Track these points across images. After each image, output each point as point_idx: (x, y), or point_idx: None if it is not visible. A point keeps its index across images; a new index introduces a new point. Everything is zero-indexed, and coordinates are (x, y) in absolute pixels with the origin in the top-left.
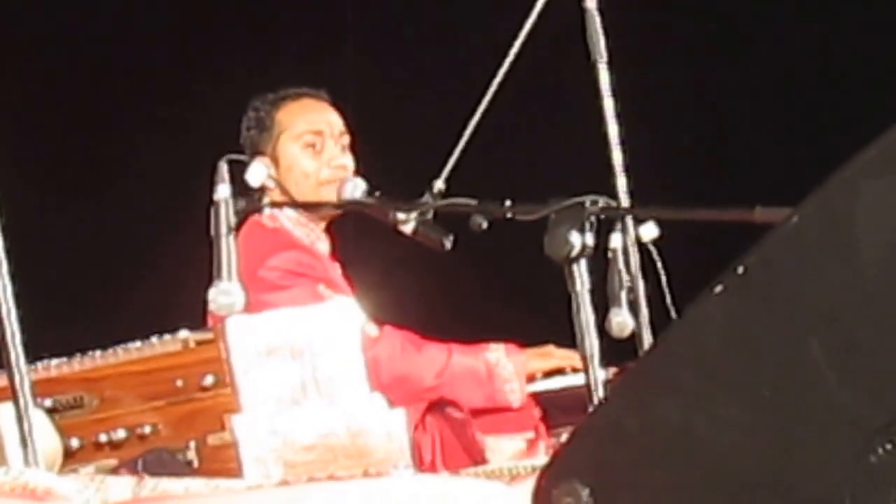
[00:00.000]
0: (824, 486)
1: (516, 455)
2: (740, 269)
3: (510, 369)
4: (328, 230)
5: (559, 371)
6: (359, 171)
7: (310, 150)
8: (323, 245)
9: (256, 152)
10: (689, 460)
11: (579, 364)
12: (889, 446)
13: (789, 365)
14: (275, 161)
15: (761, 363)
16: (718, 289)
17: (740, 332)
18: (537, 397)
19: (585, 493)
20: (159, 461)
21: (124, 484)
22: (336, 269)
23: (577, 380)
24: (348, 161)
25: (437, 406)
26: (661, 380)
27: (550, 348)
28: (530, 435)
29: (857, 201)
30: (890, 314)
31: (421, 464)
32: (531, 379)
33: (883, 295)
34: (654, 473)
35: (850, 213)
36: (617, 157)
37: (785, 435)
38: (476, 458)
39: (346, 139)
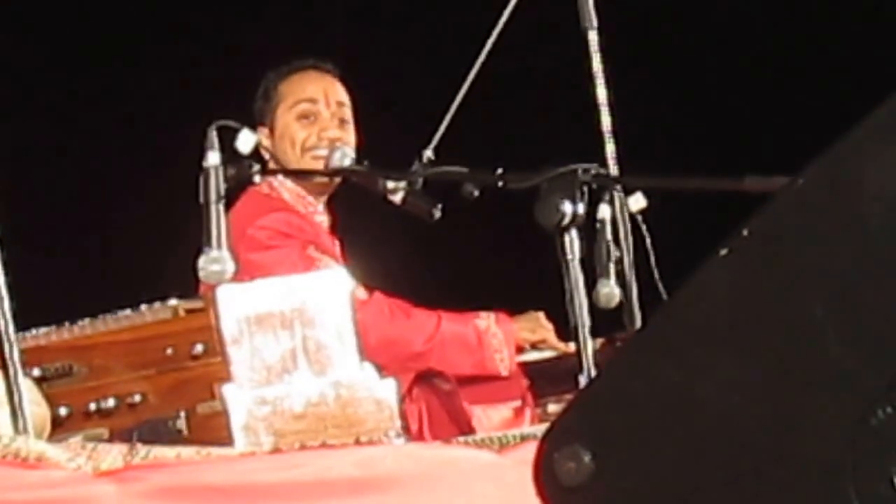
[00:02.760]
0: (826, 449)
1: (504, 423)
2: (745, 232)
3: (500, 337)
4: (329, 206)
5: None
6: (360, 147)
7: (303, 120)
8: (321, 218)
9: (262, 123)
10: (692, 424)
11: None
12: (890, 410)
13: (793, 329)
14: (273, 131)
15: (765, 327)
16: (724, 252)
17: (745, 296)
18: (525, 367)
19: (587, 457)
20: (154, 432)
21: (115, 451)
22: (333, 243)
23: (564, 349)
24: (344, 134)
25: (425, 377)
26: (665, 344)
27: (540, 317)
28: (517, 404)
29: (864, 165)
30: (893, 277)
31: (408, 434)
32: (519, 349)
33: (888, 259)
34: (657, 437)
35: (856, 177)
36: (606, 125)
37: (788, 398)
38: (463, 429)
39: (347, 112)
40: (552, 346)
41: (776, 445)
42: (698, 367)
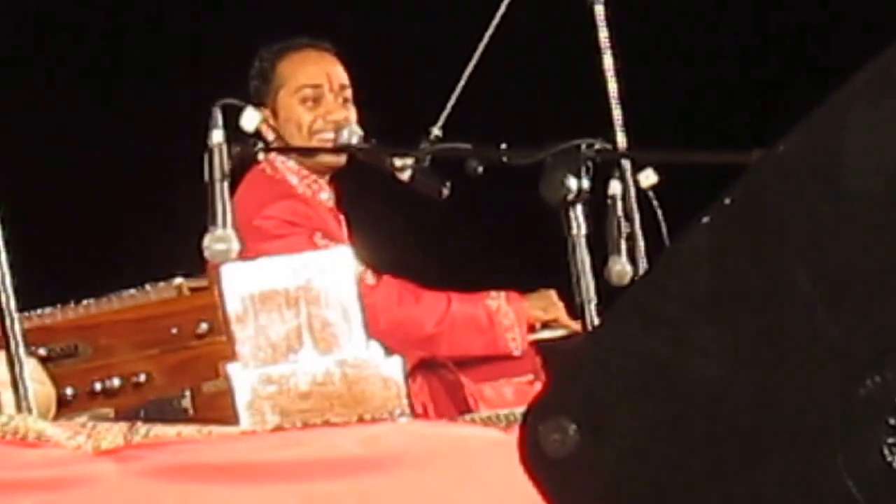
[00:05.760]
0: (814, 419)
1: (518, 396)
2: (727, 200)
3: (511, 317)
4: (332, 183)
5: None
6: (362, 124)
7: (308, 103)
8: (325, 195)
9: (260, 103)
10: (676, 394)
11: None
12: (878, 378)
13: (777, 297)
14: (274, 113)
15: (749, 295)
16: (705, 220)
17: (727, 264)
18: (536, 345)
19: (573, 428)
20: (160, 412)
21: (116, 430)
22: (338, 222)
23: (576, 327)
24: (348, 115)
25: (428, 364)
26: (648, 313)
27: (552, 294)
28: (529, 378)
29: (844, 129)
30: (878, 245)
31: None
32: (531, 328)
33: (871, 225)
34: (642, 408)
35: (837, 142)
36: (614, 99)
37: (773, 368)
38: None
39: (348, 92)
40: (564, 325)
41: (763, 416)
42: (681, 336)
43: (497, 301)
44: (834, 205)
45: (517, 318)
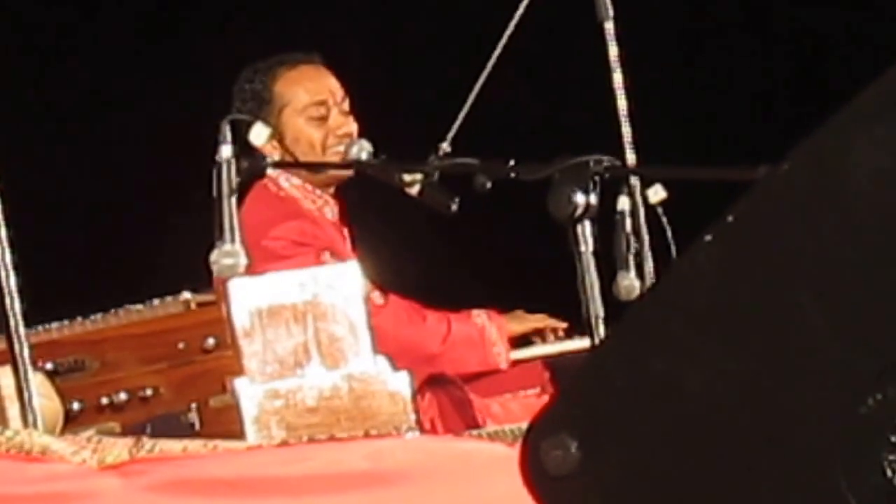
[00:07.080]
0: (816, 438)
1: (526, 410)
2: (730, 218)
3: (494, 332)
4: (336, 196)
5: (545, 332)
6: (361, 133)
7: (315, 121)
8: (330, 210)
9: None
10: (678, 412)
11: (555, 325)
12: (880, 396)
13: (779, 315)
14: (281, 133)
15: (751, 313)
16: (708, 238)
17: (730, 282)
18: (545, 361)
19: (574, 445)
20: (167, 426)
21: (121, 445)
22: (343, 236)
23: (584, 343)
24: (353, 127)
25: (437, 381)
26: (650, 331)
27: (520, 314)
28: (536, 391)
29: (849, 148)
30: (881, 262)
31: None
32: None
33: (874, 243)
34: (644, 425)
35: (841, 160)
36: (623, 115)
37: (775, 386)
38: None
39: (347, 103)
40: (538, 321)
41: (765, 435)
42: (683, 354)
43: (481, 318)
44: (836, 223)
45: (500, 333)
